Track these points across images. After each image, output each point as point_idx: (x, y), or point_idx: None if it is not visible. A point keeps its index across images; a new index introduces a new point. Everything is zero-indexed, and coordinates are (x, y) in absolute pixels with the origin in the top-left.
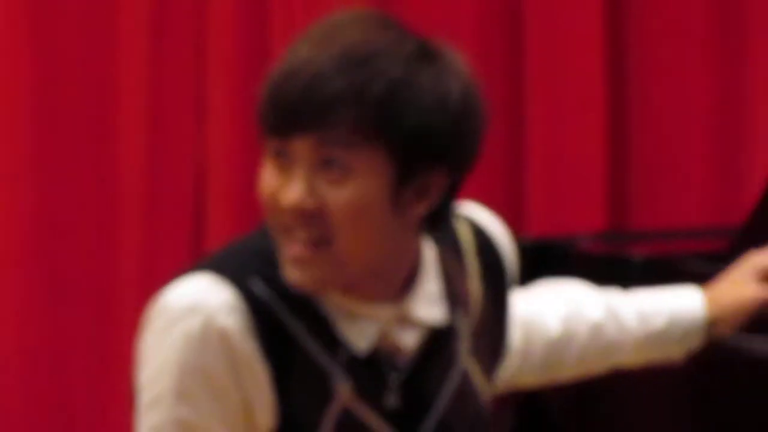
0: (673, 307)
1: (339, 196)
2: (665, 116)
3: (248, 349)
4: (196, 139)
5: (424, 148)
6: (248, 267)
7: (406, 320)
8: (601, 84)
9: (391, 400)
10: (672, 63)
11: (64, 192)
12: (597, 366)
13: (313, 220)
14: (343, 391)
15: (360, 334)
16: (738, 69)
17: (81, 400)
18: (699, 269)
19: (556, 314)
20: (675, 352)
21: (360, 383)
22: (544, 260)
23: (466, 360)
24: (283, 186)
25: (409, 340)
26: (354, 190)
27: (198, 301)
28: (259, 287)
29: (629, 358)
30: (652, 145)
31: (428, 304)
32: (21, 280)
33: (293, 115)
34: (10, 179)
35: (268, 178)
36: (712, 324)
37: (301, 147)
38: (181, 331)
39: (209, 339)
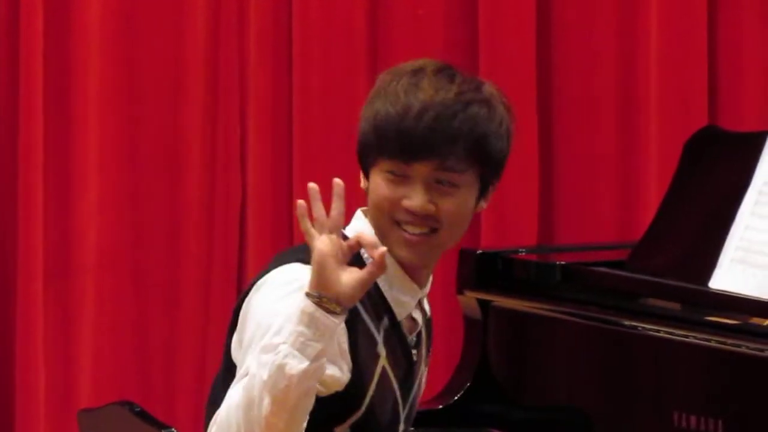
0: None
1: (448, 203)
2: (581, 163)
3: None
4: (240, 178)
5: (499, 168)
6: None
7: (419, 304)
8: (536, 147)
9: (404, 365)
10: (585, 128)
11: (145, 214)
12: None
13: (427, 218)
14: (382, 353)
15: (403, 307)
16: (633, 139)
17: (156, 368)
18: (602, 273)
19: None
20: None
21: (390, 349)
22: (494, 266)
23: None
24: (405, 195)
25: (419, 319)
26: (458, 199)
27: (299, 277)
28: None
29: None
30: (571, 186)
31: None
32: (114, 275)
33: (418, 146)
34: (109, 207)
35: (384, 188)
36: None
37: (421, 169)
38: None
39: None
